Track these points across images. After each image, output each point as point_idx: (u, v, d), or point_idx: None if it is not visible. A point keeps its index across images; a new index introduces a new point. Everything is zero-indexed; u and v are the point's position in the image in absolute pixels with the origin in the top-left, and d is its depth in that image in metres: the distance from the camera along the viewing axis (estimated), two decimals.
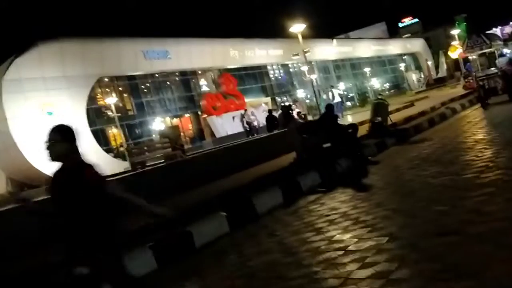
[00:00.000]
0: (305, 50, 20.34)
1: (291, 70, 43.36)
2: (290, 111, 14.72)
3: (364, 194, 6.34)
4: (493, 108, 13.68)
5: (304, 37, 46.50)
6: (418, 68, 65.35)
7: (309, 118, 22.28)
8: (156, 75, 31.69)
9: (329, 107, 10.05)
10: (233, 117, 25.76)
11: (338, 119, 10.88)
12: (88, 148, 23.25)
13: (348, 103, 47.66)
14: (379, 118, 11.71)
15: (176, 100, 32.65)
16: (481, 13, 66.88)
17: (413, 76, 62.56)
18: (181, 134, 17.07)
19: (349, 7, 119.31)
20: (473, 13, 64.64)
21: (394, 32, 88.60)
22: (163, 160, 13.78)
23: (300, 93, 42.41)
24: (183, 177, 9.65)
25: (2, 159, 23.42)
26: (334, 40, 49.71)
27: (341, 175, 8.36)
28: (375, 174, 7.78)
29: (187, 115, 32.29)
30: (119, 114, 27.13)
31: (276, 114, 17.03)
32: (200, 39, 33.08)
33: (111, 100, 25.32)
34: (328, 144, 9.40)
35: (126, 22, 54.51)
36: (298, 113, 18.54)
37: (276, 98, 40.43)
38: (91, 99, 26.45)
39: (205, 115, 27.79)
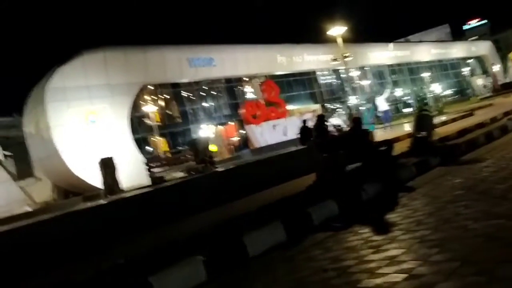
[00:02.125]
0: (345, 55, 18.79)
1: (342, 75, 41.42)
2: (325, 122, 13.30)
3: (381, 238, 4.95)
4: None
5: (356, 41, 44.82)
6: (485, 72, 60.69)
7: None
8: (201, 82, 31.32)
9: (357, 120, 8.65)
10: (274, 126, 24.62)
11: (369, 133, 9.39)
12: (130, 157, 23.19)
13: (407, 110, 44.88)
14: (424, 133, 10.07)
15: (221, 107, 32.10)
16: None
17: (479, 81, 58.11)
18: (222, 143, 16.19)
19: (410, 10, 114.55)
20: None
21: (459, 35, 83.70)
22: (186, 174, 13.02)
23: (353, 100, 40.46)
24: (191, 198, 8.71)
25: (47, 167, 23.86)
26: (390, 44, 47.23)
27: (365, 204, 6.98)
28: (405, 206, 6.30)
29: (231, 123, 31.58)
30: (159, 123, 26.92)
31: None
32: (245, 45, 32.41)
33: (150, 108, 25.09)
34: (357, 165, 8.02)
35: (170, 31, 55.31)
36: (336, 126, 16.65)
37: (326, 105, 38.78)
38: (135, 107, 26.44)
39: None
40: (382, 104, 20.25)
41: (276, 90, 27.31)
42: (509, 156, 8.35)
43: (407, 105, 47.40)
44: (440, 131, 13.87)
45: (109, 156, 18.25)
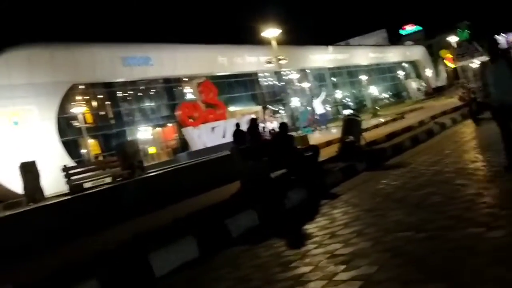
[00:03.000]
0: (279, 58, 18.70)
1: (283, 77, 41.69)
2: (258, 126, 13.00)
3: (294, 253, 4.68)
4: (486, 125, 11.99)
5: (296, 44, 45.27)
6: (418, 76, 63.71)
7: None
8: (138, 82, 30.21)
9: (283, 126, 8.40)
10: (213, 128, 24.12)
11: (296, 138, 9.18)
12: (58, 160, 21.77)
13: (347, 111, 45.97)
14: (351, 137, 10.05)
15: (159, 108, 31.14)
16: (485, 20, 65.23)
17: (413, 85, 60.90)
18: (139, 149, 15.39)
19: (350, 14, 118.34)
20: (477, 20, 63.00)
21: (395, 40, 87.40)
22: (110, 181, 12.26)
23: (294, 102, 40.82)
24: (110, 207, 8.10)
25: None
26: (330, 47, 48.26)
27: (287, 213, 6.73)
28: (324, 216, 6.11)
29: (170, 125, 30.73)
30: (91, 124, 25.57)
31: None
32: (185, 45, 31.69)
33: (79, 109, 23.75)
34: (282, 171, 7.76)
35: (102, 28, 53.35)
36: (271, 130, 15.80)
37: (268, 106, 38.84)
38: (64, 107, 24.91)
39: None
40: (319, 107, 20.27)
41: (214, 91, 26.79)
42: (430, 161, 8.45)
43: (347, 107, 48.68)
44: (371, 135, 14.09)
45: (31, 160, 16.94)
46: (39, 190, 16.55)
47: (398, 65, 61.20)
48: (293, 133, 17.04)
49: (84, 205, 9.14)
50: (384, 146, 10.81)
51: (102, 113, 28.22)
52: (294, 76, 43.27)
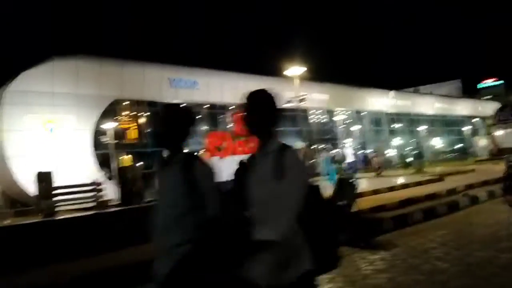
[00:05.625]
0: (301, 97, 17.45)
1: (336, 118, 40.18)
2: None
3: None
4: None
5: (359, 86, 43.72)
6: (489, 133, 59.01)
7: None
8: (183, 104, 30.23)
9: (241, 164, 7.15)
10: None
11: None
12: (88, 172, 21.87)
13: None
14: (344, 202, 8.56)
15: (199, 133, 30.82)
16: None
17: (482, 142, 56.36)
18: (141, 176, 14.79)
19: (426, 61, 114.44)
20: None
21: (471, 91, 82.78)
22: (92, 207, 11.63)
23: (354, 144, 38.92)
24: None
25: None
26: (391, 92, 46.05)
27: None
28: None
29: (202, 151, 30.19)
30: (133, 141, 25.61)
31: None
32: (234, 73, 31.44)
33: (110, 125, 23.89)
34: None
35: (153, 48, 55.14)
36: None
37: (314, 145, 37.36)
38: (102, 121, 25.21)
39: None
40: (349, 154, 18.63)
41: None
42: (421, 248, 6.82)
43: (403, 156, 45.74)
44: (385, 197, 12.38)
45: (50, 170, 16.92)
46: (51, 201, 16.38)
47: (467, 119, 57.18)
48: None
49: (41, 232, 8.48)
50: (384, 216, 9.17)
51: (141, 131, 28.36)
52: (348, 117, 41.66)
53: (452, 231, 7.97)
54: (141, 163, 26.16)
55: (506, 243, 6.64)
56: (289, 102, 19.21)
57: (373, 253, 6.82)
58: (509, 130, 26.10)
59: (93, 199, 12.58)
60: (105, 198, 13.02)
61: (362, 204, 10.67)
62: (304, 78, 36.26)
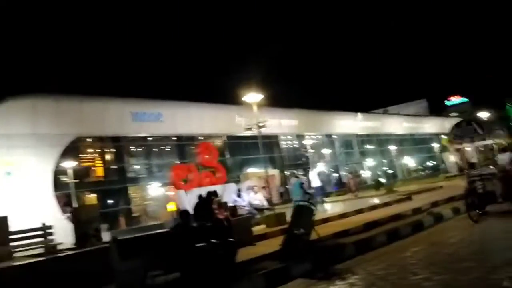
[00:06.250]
0: (260, 124, 17.22)
1: (306, 142, 40.07)
2: (212, 200, 11.27)
3: None
4: (487, 222, 9.74)
5: (327, 109, 44.05)
6: (458, 150, 60.15)
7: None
8: (149, 138, 29.60)
9: (183, 214, 6.70)
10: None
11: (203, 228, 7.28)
12: (51, 214, 20.78)
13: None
14: (302, 230, 8.13)
15: (167, 166, 30.11)
16: None
17: (451, 158, 57.34)
18: (98, 215, 14.01)
19: (392, 82, 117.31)
20: None
21: (437, 110, 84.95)
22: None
23: (321, 167, 38.74)
24: None
25: None
26: (359, 114, 46.61)
27: None
28: None
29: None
30: (77, 180, 24.51)
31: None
32: (199, 103, 31.16)
33: (70, 163, 23.02)
34: (174, 276, 5.99)
35: (112, 82, 54.95)
36: (221, 204, 11.10)
37: (285, 171, 37.11)
38: (65, 159, 24.23)
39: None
40: (315, 179, 18.22)
41: (214, 154, 25.42)
42: (380, 274, 6.42)
43: (377, 176, 45.95)
44: (352, 221, 12.06)
45: (4, 215, 15.90)
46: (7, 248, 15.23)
47: (435, 136, 58.22)
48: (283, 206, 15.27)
49: None
50: (346, 242, 8.78)
51: (106, 167, 27.46)
52: (319, 141, 41.78)
53: (414, 253, 7.63)
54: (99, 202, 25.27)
55: (467, 263, 6.33)
56: (249, 129, 18.85)
57: (330, 284, 6.38)
58: (478, 143, 26.48)
59: (41, 244, 11.73)
60: (55, 242, 12.18)
61: (326, 229, 10.34)
62: (270, 105, 36.50)
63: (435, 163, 57.44)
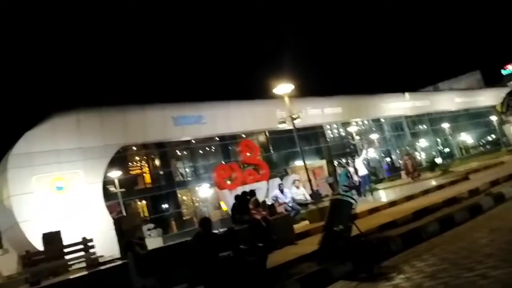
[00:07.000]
0: (293, 116, 16.46)
1: (352, 129, 38.77)
2: (248, 199, 10.80)
3: None
4: None
5: (371, 93, 42.50)
6: (503, 122, 56.15)
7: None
8: (192, 141, 29.71)
9: (203, 222, 6.25)
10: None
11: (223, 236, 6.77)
12: (102, 225, 21.29)
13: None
14: (341, 226, 7.46)
15: (213, 167, 30.11)
16: None
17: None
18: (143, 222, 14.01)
19: (440, 56, 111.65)
20: None
21: (493, 81, 79.94)
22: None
23: (365, 154, 37.40)
24: None
25: (10, 238, 22.37)
26: (407, 94, 44.42)
27: None
28: None
29: None
30: (123, 189, 24.89)
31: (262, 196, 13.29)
32: (239, 101, 30.84)
33: (115, 174, 23.40)
34: None
35: (152, 90, 55.42)
36: (258, 203, 10.62)
37: (334, 161, 36.06)
38: (112, 170, 24.77)
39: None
40: (361, 167, 17.06)
41: (256, 150, 24.99)
42: (430, 272, 5.68)
43: (431, 157, 43.69)
44: (400, 209, 11.16)
45: (57, 230, 16.30)
46: (63, 262, 15.53)
47: (492, 109, 54.66)
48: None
49: None
50: (391, 235, 8.01)
51: (153, 173, 27.88)
52: (366, 126, 40.41)
53: (469, 244, 6.76)
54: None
55: None
56: (282, 122, 18.20)
57: (372, 286, 5.72)
58: None
59: (83, 259, 11.82)
60: (96, 255, 12.24)
61: (372, 221, 9.61)
62: (312, 94, 35.57)
63: (495, 137, 54.00)
